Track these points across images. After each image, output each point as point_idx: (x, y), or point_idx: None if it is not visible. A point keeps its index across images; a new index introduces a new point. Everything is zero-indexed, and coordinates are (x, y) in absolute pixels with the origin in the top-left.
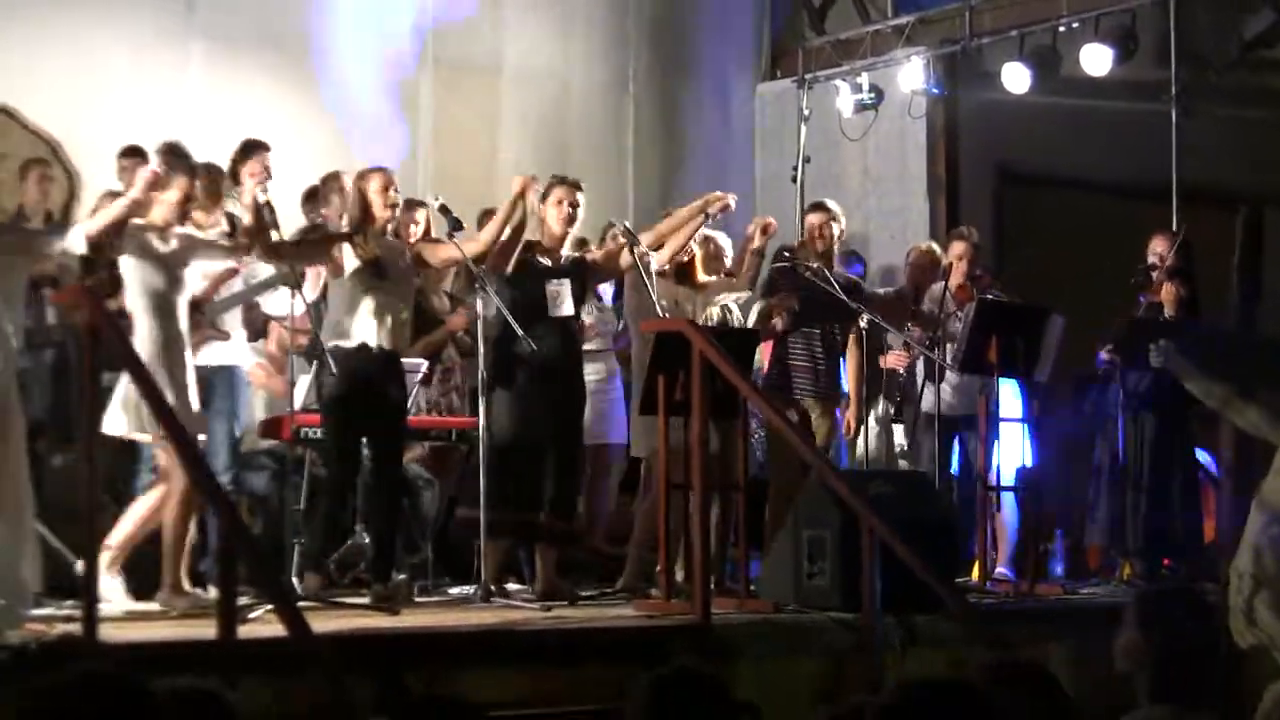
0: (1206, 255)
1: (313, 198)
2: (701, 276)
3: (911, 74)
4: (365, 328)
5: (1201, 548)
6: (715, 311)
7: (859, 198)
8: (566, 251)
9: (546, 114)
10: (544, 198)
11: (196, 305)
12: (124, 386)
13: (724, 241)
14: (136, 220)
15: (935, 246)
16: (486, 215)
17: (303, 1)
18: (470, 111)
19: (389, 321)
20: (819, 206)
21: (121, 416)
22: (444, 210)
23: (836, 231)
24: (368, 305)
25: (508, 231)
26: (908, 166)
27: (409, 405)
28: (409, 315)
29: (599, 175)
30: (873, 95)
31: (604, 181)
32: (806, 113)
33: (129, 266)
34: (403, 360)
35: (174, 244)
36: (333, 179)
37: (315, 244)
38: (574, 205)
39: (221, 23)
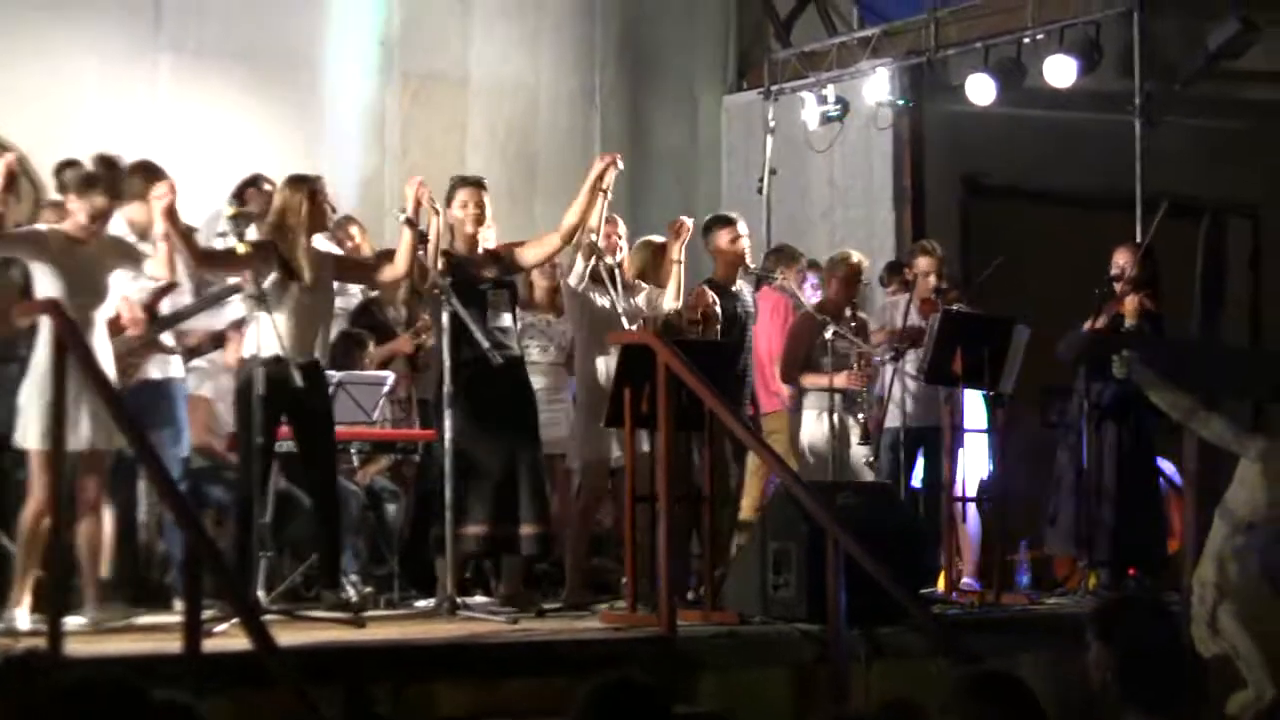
0: (1170, 265)
1: (240, 196)
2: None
3: (877, 86)
4: (282, 338)
5: (1165, 558)
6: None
7: (825, 209)
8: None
9: (514, 125)
10: (448, 201)
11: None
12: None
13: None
14: (43, 227)
15: (860, 257)
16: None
17: (271, 14)
18: (437, 123)
19: (307, 332)
20: (726, 221)
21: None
22: (409, 224)
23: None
24: (285, 316)
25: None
26: (873, 178)
27: (376, 417)
28: (328, 325)
29: (566, 186)
30: (838, 107)
31: (571, 192)
32: (772, 124)
33: (36, 273)
34: (368, 374)
35: (90, 253)
36: (250, 183)
37: (221, 257)
38: (479, 206)
39: (190, 35)
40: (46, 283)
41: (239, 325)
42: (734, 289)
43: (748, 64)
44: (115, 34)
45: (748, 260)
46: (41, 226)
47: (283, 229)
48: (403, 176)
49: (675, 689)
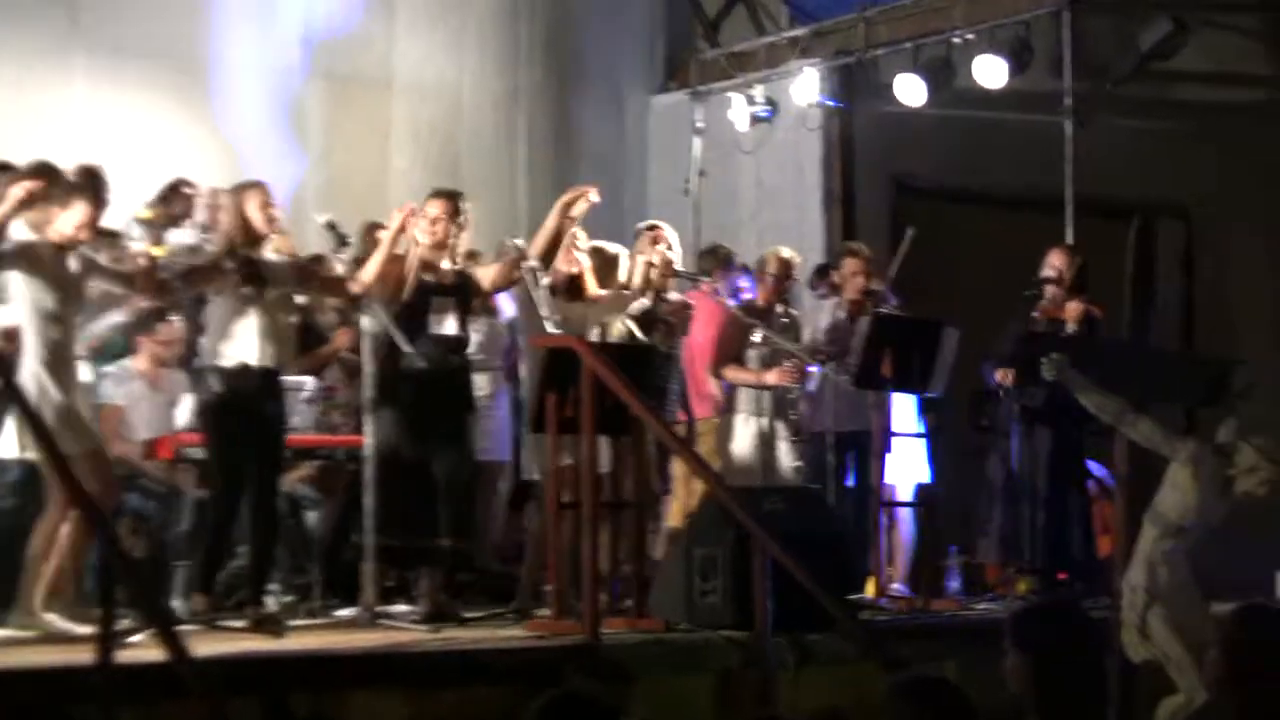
0: (1100, 267)
1: (165, 200)
2: (593, 289)
3: (806, 86)
4: (245, 347)
5: (1096, 562)
6: (618, 327)
7: (753, 211)
8: (449, 266)
9: (438, 127)
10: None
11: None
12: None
13: (616, 250)
14: (29, 238)
15: (790, 253)
16: (373, 229)
17: (188, 13)
18: (360, 125)
19: (269, 339)
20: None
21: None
22: (330, 227)
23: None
24: (247, 323)
25: (381, 260)
26: (803, 179)
27: (294, 423)
28: (290, 332)
29: (491, 188)
30: (767, 107)
31: (496, 194)
32: (700, 125)
33: (18, 282)
34: (287, 378)
35: (73, 265)
36: (174, 188)
37: (202, 272)
38: (451, 219)
39: (106, 35)
40: (37, 296)
41: (147, 330)
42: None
43: (675, 64)
44: (29, 34)
45: (676, 267)
46: (30, 237)
47: (247, 236)
48: (324, 179)
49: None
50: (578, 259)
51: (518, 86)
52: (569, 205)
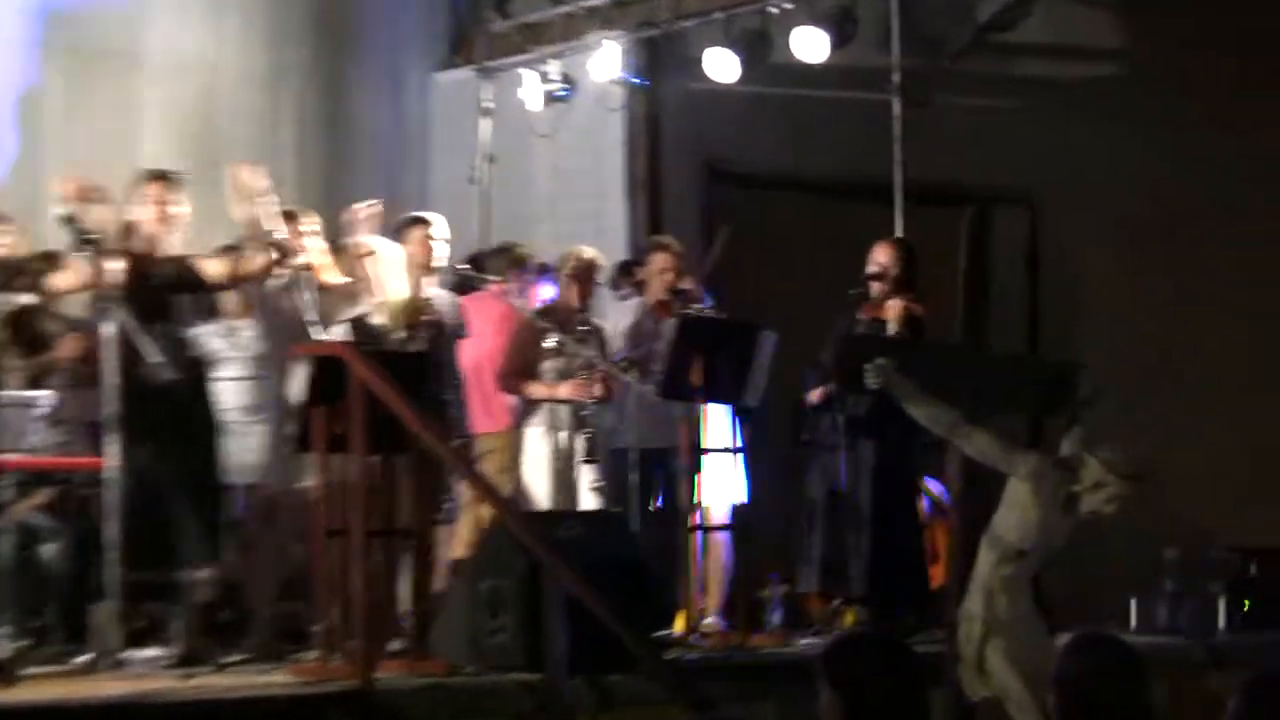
0: (932, 261)
1: None
2: (327, 279)
3: (607, 61)
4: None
5: (929, 591)
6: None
7: (550, 201)
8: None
9: (195, 107)
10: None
11: None
12: None
13: (383, 245)
14: None
15: (594, 253)
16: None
17: None
18: (106, 106)
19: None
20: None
21: None
22: (69, 221)
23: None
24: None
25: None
26: (604, 165)
27: (30, 444)
28: None
29: None
30: (564, 86)
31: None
32: (489, 105)
33: None
34: (18, 393)
35: None
36: None
37: None
38: (163, 203)
39: None
40: None
41: None
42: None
43: (461, 37)
44: None
45: (437, 264)
46: None
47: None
48: (64, 165)
49: None
50: (305, 244)
51: (285, 62)
52: (241, 188)
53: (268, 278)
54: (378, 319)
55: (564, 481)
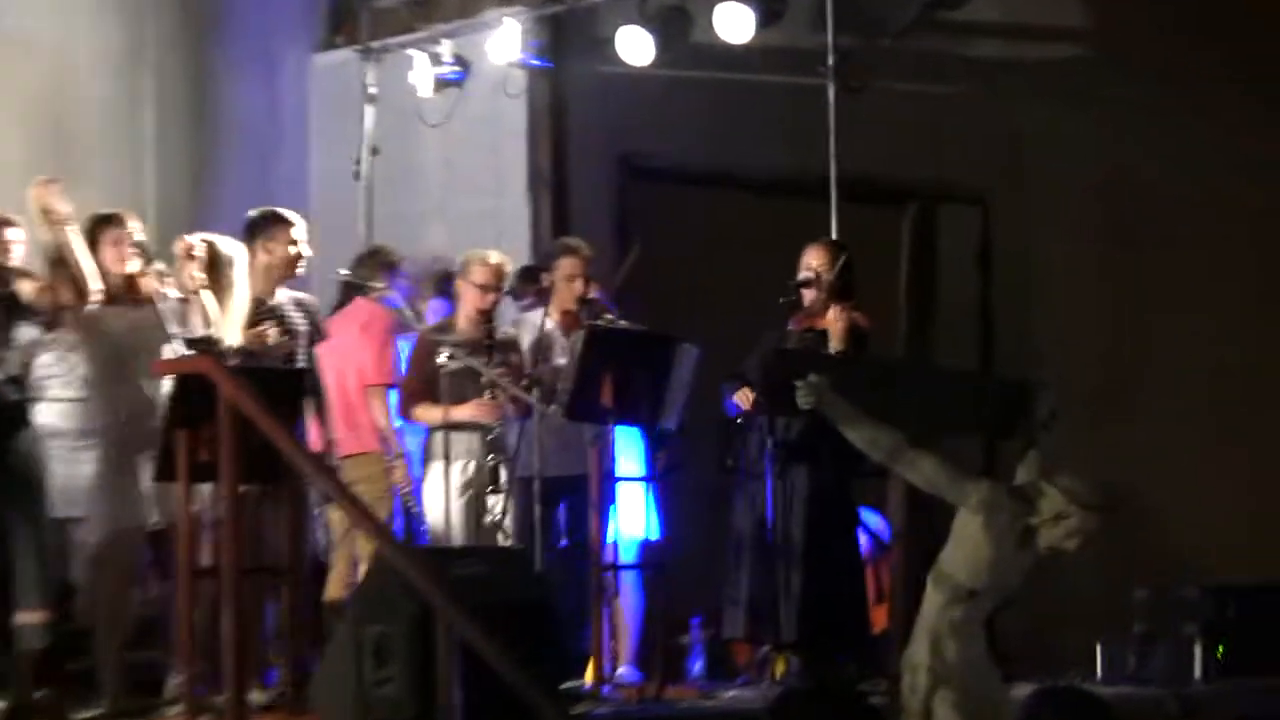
0: (872, 265)
1: None
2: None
3: (506, 41)
4: None
5: (870, 636)
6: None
7: (442, 198)
8: None
9: (38, 92)
10: None
11: None
12: None
13: (230, 248)
14: None
15: (500, 258)
16: None
17: None
18: None
19: None
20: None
21: None
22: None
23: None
24: None
25: None
26: (503, 158)
27: None
28: None
29: (107, 167)
30: (458, 69)
31: (117, 173)
32: (373, 91)
33: None
34: None
35: None
36: None
37: None
38: None
39: None
40: None
41: None
42: (271, 304)
43: (342, 14)
44: None
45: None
46: None
47: None
48: None
49: None
50: (128, 253)
51: (143, 41)
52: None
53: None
54: (215, 333)
55: (457, 514)
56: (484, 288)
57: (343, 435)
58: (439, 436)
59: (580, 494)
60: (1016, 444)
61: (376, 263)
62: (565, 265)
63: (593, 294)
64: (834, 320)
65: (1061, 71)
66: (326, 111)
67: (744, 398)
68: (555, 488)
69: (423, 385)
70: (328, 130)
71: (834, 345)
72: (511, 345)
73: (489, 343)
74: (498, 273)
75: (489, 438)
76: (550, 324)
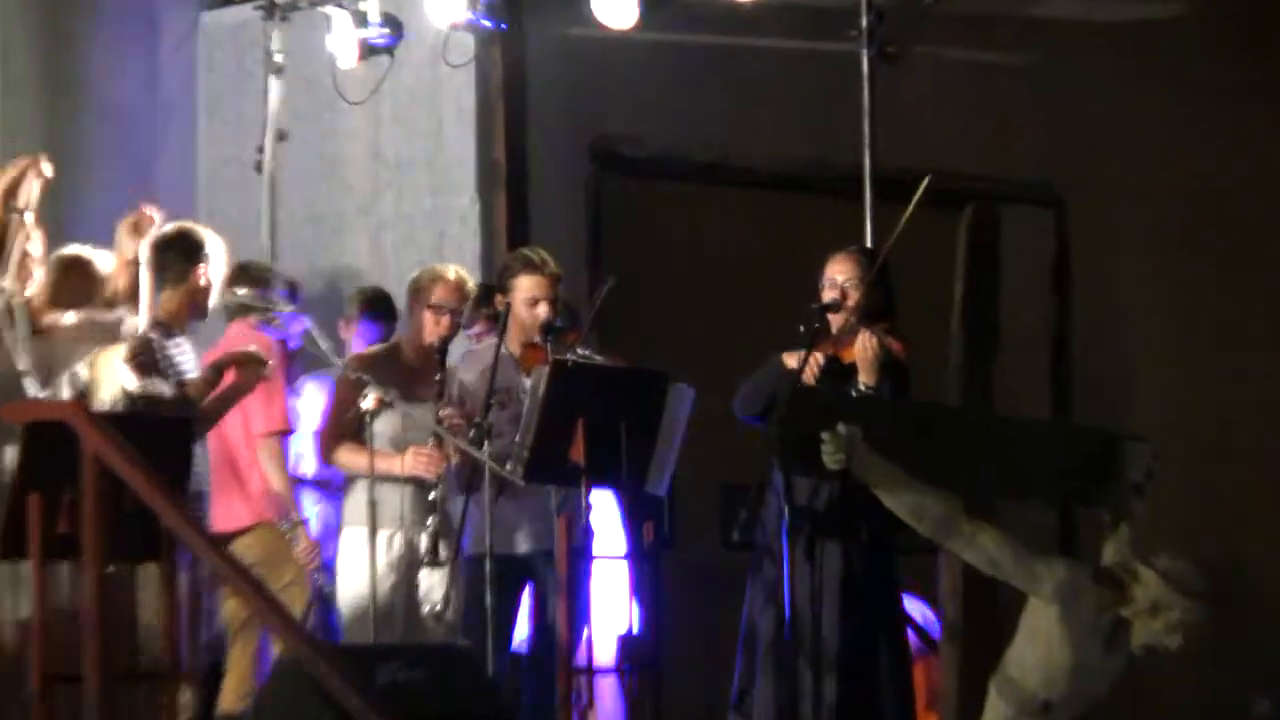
0: (918, 281)
1: None
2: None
3: None
4: None
5: None
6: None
7: (369, 195)
8: None
9: None
10: None
11: None
12: None
13: (92, 255)
14: None
15: (460, 273)
16: None
17: None
18: None
19: None
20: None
21: None
22: None
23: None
24: None
25: None
26: (445, 145)
27: None
28: None
29: None
30: (387, 32)
31: None
32: (280, 60)
33: None
34: None
35: None
36: None
37: None
38: None
39: None
40: None
41: None
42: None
43: None
44: None
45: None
46: None
47: None
48: None
49: None
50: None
51: None
52: (11, 189)
53: None
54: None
55: (393, 600)
56: (439, 309)
57: (230, 504)
58: (359, 495)
59: (545, 576)
60: (1102, 514)
61: (245, 280)
62: (524, 284)
63: (558, 321)
64: (862, 347)
65: (1152, 35)
66: (220, 86)
67: (812, 363)
68: (513, 567)
69: (344, 424)
70: (222, 108)
71: (861, 378)
72: (457, 383)
73: (437, 375)
74: (459, 292)
75: (429, 498)
76: (506, 357)
